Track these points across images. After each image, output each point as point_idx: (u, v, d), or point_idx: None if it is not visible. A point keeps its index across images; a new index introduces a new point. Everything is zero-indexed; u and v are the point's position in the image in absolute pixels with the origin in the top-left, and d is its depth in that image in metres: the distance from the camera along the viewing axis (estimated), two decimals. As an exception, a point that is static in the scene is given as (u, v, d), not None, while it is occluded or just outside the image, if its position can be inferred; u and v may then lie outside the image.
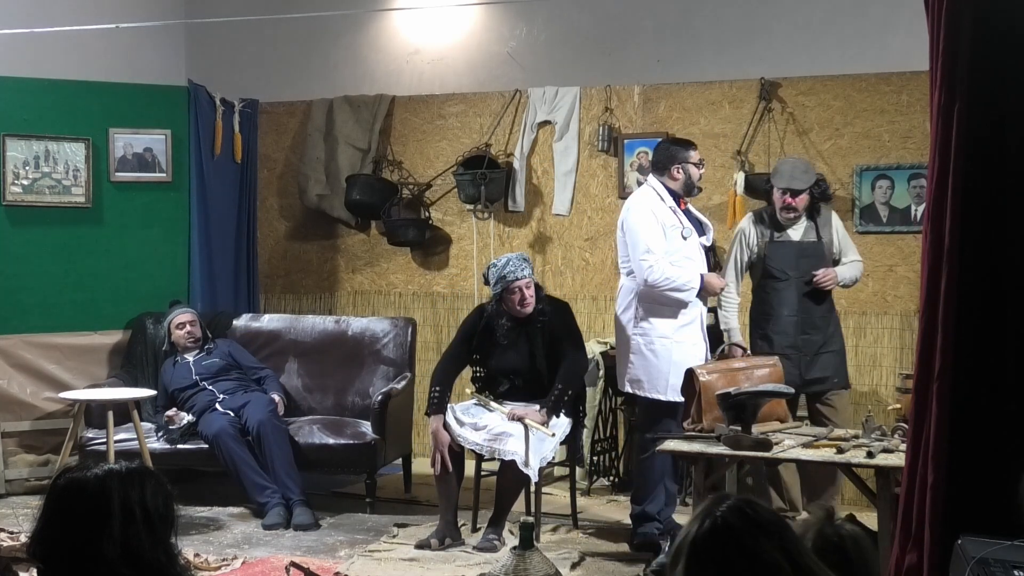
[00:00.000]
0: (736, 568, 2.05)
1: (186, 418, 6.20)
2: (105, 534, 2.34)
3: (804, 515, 5.48)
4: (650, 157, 6.74)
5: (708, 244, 5.50)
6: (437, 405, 5.57)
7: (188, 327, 6.53)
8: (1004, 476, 3.21)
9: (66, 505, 2.40)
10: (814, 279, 5.58)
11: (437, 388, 5.62)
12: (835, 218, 5.81)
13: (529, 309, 5.59)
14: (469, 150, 7.22)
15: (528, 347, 5.63)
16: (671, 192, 5.40)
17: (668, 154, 5.45)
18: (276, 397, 6.37)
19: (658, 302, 5.34)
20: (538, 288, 5.68)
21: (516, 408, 5.51)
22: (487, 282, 5.68)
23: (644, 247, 5.28)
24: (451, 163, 7.27)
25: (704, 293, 5.42)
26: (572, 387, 5.61)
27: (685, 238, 5.34)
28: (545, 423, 5.44)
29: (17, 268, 6.74)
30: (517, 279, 5.53)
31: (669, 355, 5.32)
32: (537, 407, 5.49)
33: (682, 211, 5.41)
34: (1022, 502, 2.48)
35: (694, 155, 5.44)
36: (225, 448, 6.00)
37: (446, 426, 5.50)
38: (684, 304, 5.35)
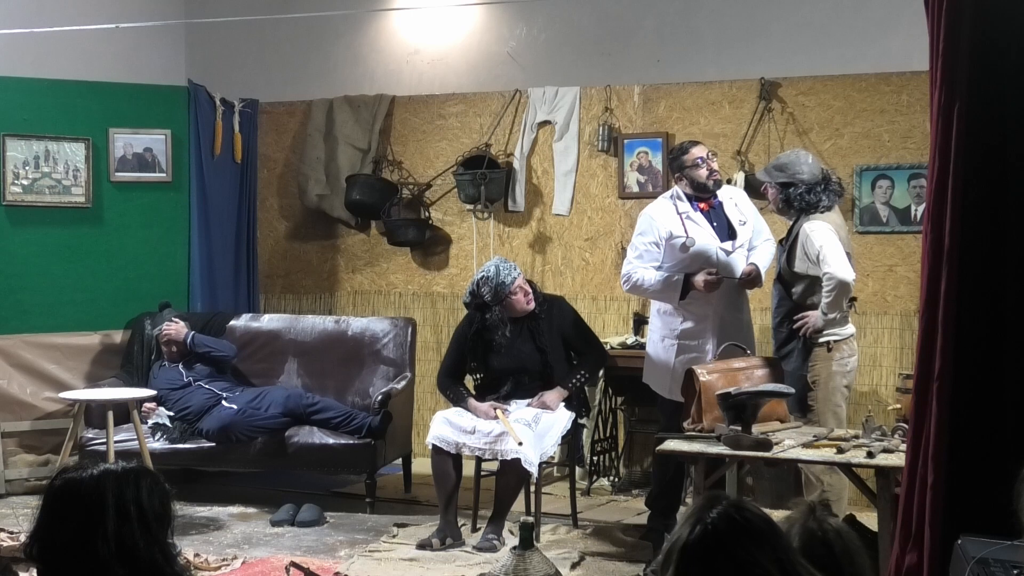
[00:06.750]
0: None
1: (164, 416, 6.20)
2: (99, 533, 2.34)
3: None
4: (649, 157, 6.78)
5: (740, 244, 5.29)
6: (463, 392, 5.73)
7: (175, 347, 6.52)
8: (1004, 476, 3.21)
9: (62, 505, 2.40)
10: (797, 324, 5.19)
11: (448, 392, 5.78)
12: (806, 230, 5.12)
13: (533, 304, 5.68)
14: (469, 150, 7.22)
15: (533, 343, 5.68)
16: (688, 197, 5.30)
17: (672, 167, 5.42)
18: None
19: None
20: (531, 284, 5.79)
21: (533, 401, 5.58)
22: (480, 299, 5.64)
23: (633, 252, 5.37)
24: (451, 163, 7.26)
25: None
26: (593, 376, 5.81)
27: (688, 247, 5.18)
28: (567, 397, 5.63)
29: (17, 268, 6.74)
30: (514, 280, 5.62)
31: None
32: (545, 395, 5.60)
33: (703, 213, 5.27)
34: (1017, 507, 2.46)
35: (691, 156, 5.25)
36: (242, 436, 6.04)
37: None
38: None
